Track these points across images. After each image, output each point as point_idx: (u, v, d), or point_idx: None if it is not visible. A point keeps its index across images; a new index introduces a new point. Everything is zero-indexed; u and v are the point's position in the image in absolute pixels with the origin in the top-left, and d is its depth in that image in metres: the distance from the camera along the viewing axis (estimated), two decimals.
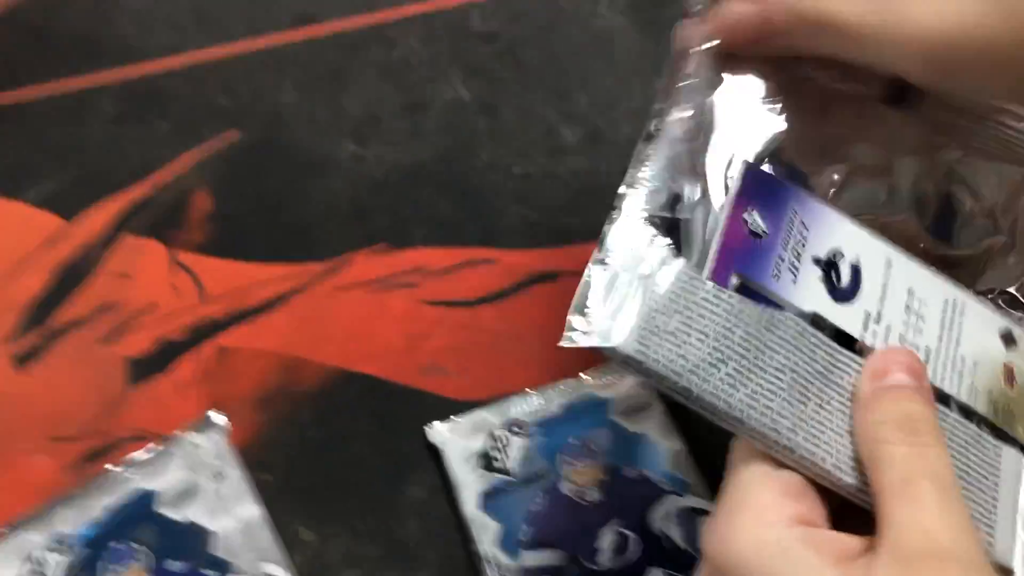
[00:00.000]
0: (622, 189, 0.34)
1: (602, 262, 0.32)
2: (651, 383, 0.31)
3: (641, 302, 0.31)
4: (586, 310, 0.31)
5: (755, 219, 0.33)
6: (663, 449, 0.44)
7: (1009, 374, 0.35)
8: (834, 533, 0.28)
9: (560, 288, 0.51)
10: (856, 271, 0.34)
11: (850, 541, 0.28)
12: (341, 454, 0.46)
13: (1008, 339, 0.36)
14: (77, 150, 0.59)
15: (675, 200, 0.34)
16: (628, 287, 0.31)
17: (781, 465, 0.30)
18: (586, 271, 0.32)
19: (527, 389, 0.46)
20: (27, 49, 0.64)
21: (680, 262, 0.32)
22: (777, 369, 0.30)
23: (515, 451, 0.44)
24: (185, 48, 0.63)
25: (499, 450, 0.44)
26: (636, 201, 0.33)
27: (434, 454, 0.46)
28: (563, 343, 0.31)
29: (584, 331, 0.30)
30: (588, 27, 0.63)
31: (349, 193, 0.56)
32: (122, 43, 0.64)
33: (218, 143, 0.58)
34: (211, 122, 0.59)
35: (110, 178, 0.57)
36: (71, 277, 0.53)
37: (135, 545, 0.42)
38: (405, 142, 0.58)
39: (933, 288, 0.35)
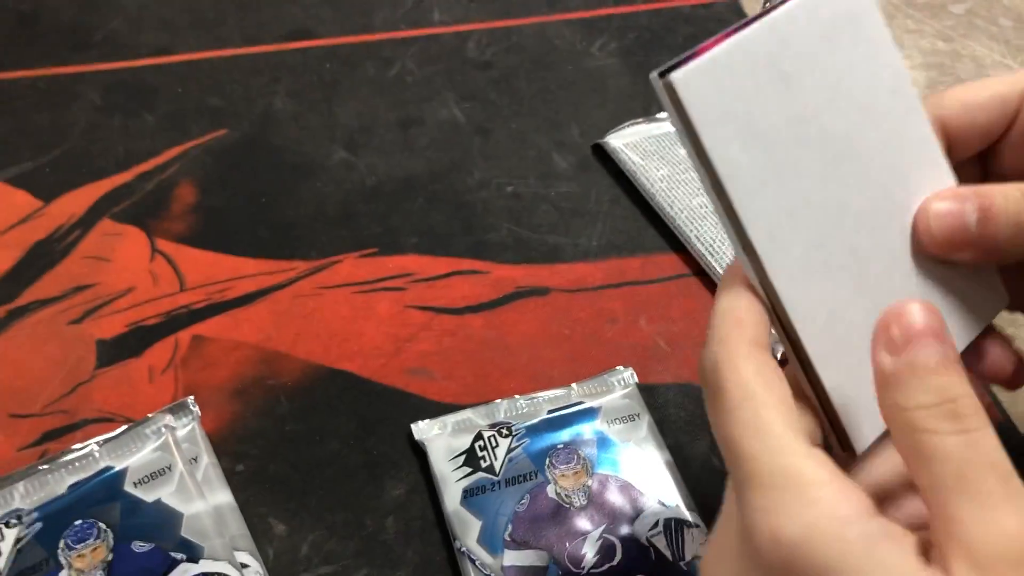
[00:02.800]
0: None
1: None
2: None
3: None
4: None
5: None
6: (651, 459, 0.43)
7: None
8: (900, 528, 0.25)
9: (549, 303, 0.51)
10: None
11: (915, 537, 0.25)
12: (318, 449, 0.45)
13: None
14: (59, 135, 0.57)
15: None
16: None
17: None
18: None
19: (515, 395, 0.46)
20: (13, 34, 0.63)
21: None
22: None
23: (502, 452, 0.43)
24: (176, 50, 0.63)
25: (486, 450, 0.43)
26: None
27: (416, 454, 0.45)
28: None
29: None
30: (580, 65, 0.64)
31: (339, 198, 0.55)
32: (112, 39, 0.63)
33: (206, 139, 0.58)
34: (200, 119, 0.59)
35: (92, 164, 0.56)
36: (45, 256, 0.51)
37: (100, 524, 0.40)
38: (398, 154, 0.58)
39: None
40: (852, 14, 0.30)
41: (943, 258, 0.31)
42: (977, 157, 0.35)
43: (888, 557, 0.24)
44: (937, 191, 0.31)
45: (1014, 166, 0.34)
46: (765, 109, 0.28)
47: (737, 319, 0.28)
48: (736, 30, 0.27)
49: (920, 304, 0.26)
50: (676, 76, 0.26)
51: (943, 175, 0.32)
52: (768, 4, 0.30)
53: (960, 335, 0.32)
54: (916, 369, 0.26)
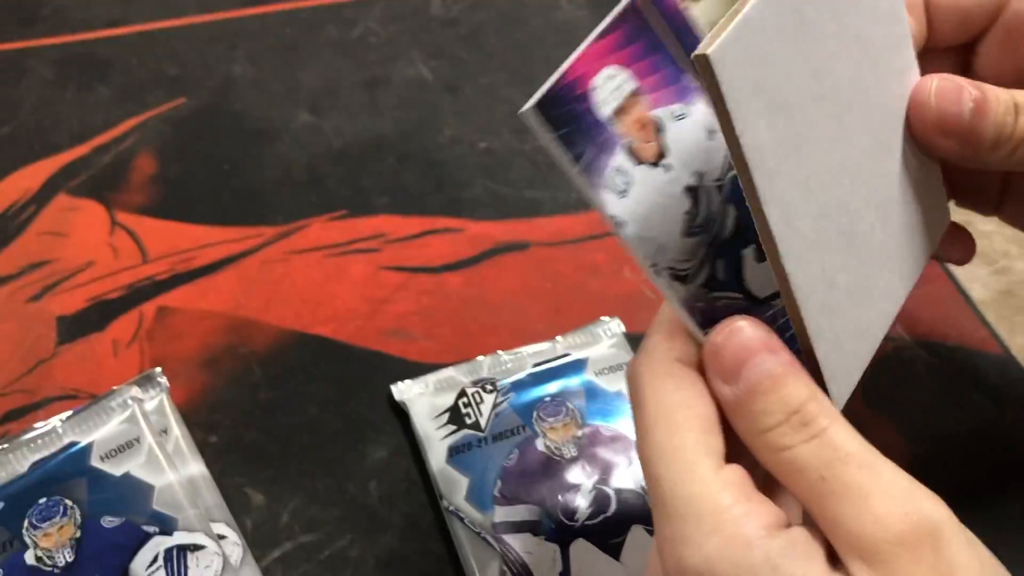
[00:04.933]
0: None
1: None
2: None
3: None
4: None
5: None
6: None
7: None
8: (807, 536, 0.25)
9: (529, 257, 0.49)
10: None
11: (824, 543, 0.25)
12: (295, 416, 0.43)
13: None
14: (9, 111, 0.55)
15: None
16: None
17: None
18: None
19: (498, 351, 0.44)
20: None
21: None
22: None
23: (487, 408, 0.41)
24: (129, 21, 0.61)
25: (470, 406, 0.41)
26: None
27: (398, 416, 0.43)
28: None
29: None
30: (549, 18, 0.62)
31: (304, 161, 0.53)
32: (62, 12, 0.61)
33: (164, 109, 0.55)
34: (156, 90, 0.56)
35: (45, 139, 0.54)
36: None
37: (66, 501, 0.37)
38: (364, 115, 0.56)
39: None
40: None
41: (925, 143, 0.30)
42: (958, 56, 0.34)
43: (794, 573, 0.23)
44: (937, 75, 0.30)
45: (994, 67, 0.34)
46: (789, 70, 0.26)
47: (669, 331, 0.27)
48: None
49: (744, 320, 0.26)
50: (713, 52, 0.24)
51: None
52: None
53: (916, 261, 0.32)
54: (755, 393, 0.25)
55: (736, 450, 0.26)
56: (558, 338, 0.44)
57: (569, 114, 0.25)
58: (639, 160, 0.26)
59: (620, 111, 0.26)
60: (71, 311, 0.46)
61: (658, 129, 0.27)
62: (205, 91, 0.56)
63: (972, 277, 0.50)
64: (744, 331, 0.26)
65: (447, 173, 0.53)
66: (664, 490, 0.25)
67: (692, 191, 0.27)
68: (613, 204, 0.26)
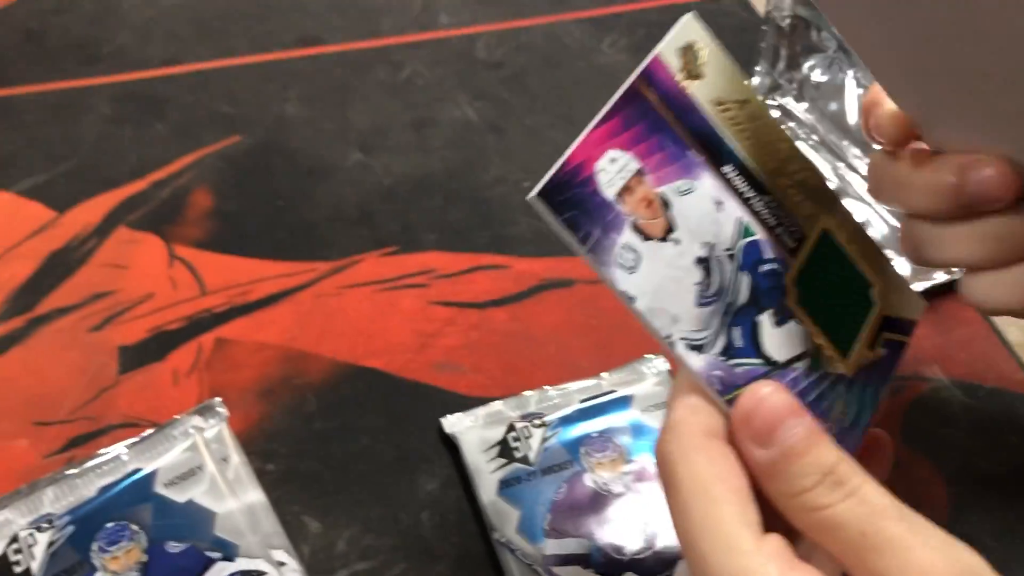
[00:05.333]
0: None
1: None
2: None
3: None
4: None
5: None
6: None
7: None
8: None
9: (574, 294, 0.50)
10: None
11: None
12: (348, 446, 0.44)
13: None
14: (70, 147, 0.57)
15: None
16: None
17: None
18: None
19: (545, 387, 0.45)
20: (22, 50, 0.63)
21: None
22: None
23: (536, 442, 0.42)
24: (185, 60, 0.63)
25: (519, 440, 0.42)
26: None
27: (448, 447, 0.44)
28: None
29: None
30: (591, 61, 0.64)
31: (356, 199, 0.55)
32: (120, 52, 0.63)
33: (219, 147, 0.57)
34: (212, 127, 0.59)
35: (104, 174, 0.56)
36: (62, 266, 0.51)
37: (132, 526, 0.39)
38: (413, 154, 0.57)
39: None
40: None
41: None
42: None
43: None
44: None
45: None
46: None
47: (691, 405, 0.28)
48: None
49: (770, 386, 0.27)
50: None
51: None
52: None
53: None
54: (789, 456, 0.26)
55: (766, 516, 0.27)
56: (603, 375, 0.46)
57: (574, 198, 0.26)
58: (647, 236, 0.28)
59: (625, 191, 0.27)
60: (132, 341, 0.48)
61: (664, 205, 0.28)
62: (259, 129, 0.58)
63: (1009, 320, 0.50)
64: (772, 397, 0.27)
65: (492, 211, 0.54)
66: (710, 566, 0.25)
67: (703, 262, 0.29)
68: (623, 280, 0.27)
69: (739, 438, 0.27)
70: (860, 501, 0.25)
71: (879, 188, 0.35)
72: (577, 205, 0.26)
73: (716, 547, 0.25)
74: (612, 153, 0.27)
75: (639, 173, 0.28)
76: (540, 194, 0.26)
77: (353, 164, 0.57)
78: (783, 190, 0.31)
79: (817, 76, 0.58)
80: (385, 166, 0.56)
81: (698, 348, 0.28)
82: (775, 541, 0.26)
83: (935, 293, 0.50)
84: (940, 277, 0.50)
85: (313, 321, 0.49)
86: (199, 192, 0.55)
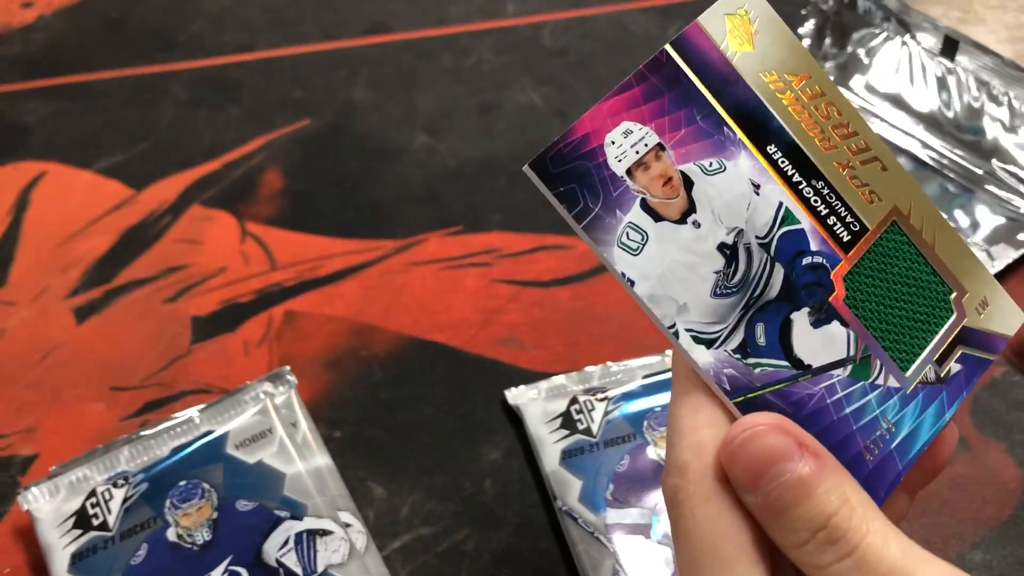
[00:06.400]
0: None
1: None
2: None
3: None
4: None
5: None
6: None
7: None
8: None
9: None
10: None
11: None
12: (413, 416, 0.45)
13: None
14: (147, 129, 0.59)
15: None
16: None
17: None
18: None
19: (607, 362, 0.45)
20: (102, 38, 0.65)
21: None
22: None
23: (598, 415, 0.43)
24: (257, 47, 0.64)
25: (582, 413, 0.43)
26: None
27: (511, 420, 0.44)
28: None
29: None
30: (655, 47, 0.63)
31: (422, 180, 0.56)
32: (195, 39, 0.65)
33: (290, 130, 0.59)
34: (283, 111, 0.60)
35: (180, 155, 0.57)
36: (138, 240, 0.53)
37: (204, 484, 0.40)
38: (478, 138, 0.58)
39: None
40: None
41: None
42: None
43: None
44: None
45: None
46: None
47: (697, 444, 0.25)
48: None
49: (764, 421, 0.24)
50: None
51: None
52: None
53: None
54: (776, 507, 0.24)
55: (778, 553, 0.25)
56: (667, 352, 0.46)
57: (574, 171, 0.25)
58: (659, 216, 0.26)
59: (639, 166, 0.26)
60: (205, 312, 0.49)
61: (686, 184, 0.26)
62: (329, 113, 0.59)
63: None
64: (761, 438, 0.24)
65: None
66: None
67: (726, 248, 0.26)
68: (623, 261, 0.25)
69: (739, 481, 0.24)
70: (856, 565, 0.23)
71: None
72: (577, 178, 0.25)
73: None
74: (627, 125, 0.26)
75: (659, 148, 0.26)
76: (532, 165, 0.25)
77: (419, 147, 0.57)
78: (842, 175, 0.28)
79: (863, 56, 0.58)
80: (451, 149, 0.57)
81: (708, 343, 0.26)
82: None
83: (1010, 269, 0.49)
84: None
85: (380, 296, 0.50)
86: (270, 172, 0.56)
